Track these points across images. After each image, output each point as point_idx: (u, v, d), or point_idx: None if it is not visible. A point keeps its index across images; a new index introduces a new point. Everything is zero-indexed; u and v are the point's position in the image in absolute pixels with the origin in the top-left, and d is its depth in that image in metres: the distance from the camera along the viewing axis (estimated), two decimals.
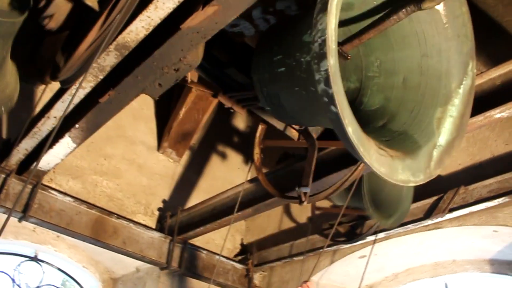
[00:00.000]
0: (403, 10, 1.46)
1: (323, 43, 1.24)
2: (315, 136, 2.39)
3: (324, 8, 1.26)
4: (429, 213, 3.15)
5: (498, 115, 2.03)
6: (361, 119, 1.47)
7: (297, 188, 2.26)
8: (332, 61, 1.24)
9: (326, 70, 1.23)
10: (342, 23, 1.68)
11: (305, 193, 2.26)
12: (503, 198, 2.81)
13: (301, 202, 2.26)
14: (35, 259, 3.92)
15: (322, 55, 1.24)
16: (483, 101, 2.06)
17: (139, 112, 4.34)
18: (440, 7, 1.63)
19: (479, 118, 2.05)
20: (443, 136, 1.64)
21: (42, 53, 3.36)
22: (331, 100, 1.24)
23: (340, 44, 1.67)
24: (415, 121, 1.68)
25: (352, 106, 1.47)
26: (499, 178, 2.86)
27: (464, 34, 1.67)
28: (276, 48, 1.84)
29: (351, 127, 1.29)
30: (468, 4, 1.72)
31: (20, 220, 2.94)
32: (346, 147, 1.35)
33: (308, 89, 1.66)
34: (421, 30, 1.67)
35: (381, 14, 1.57)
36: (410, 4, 1.45)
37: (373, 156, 1.38)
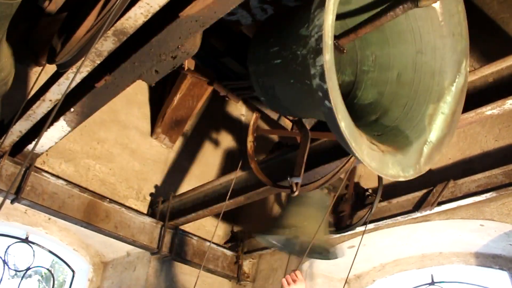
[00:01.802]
0: (400, 6, 1.48)
1: (320, 38, 1.25)
2: (308, 127, 2.42)
3: (322, 4, 1.28)
4: (418, 206, 3.19)
5: (489, 112, 2.05)
6: (354, 113, 1.49)
7: (289, 178, 2.29)
8: (327, 57, 1.26)
9: (322, 66, 1.24)
10: (339, 16, 1.69)
11: (296, 183, 2.29)
12: (490, 193, 2.87)
13: (292, 192, 2.29)
14: (26, 240, 3.93)
15: (318, 51, 1.25)
16: (475, 98, 2.09)
17: (133, 97, 4.33)
18: (436, 5, 1.65)
19: (471, 114, 2.07)
20: (434, 132, 1.67)
21: (37, 34, 3.32)
22: (325, 95, 1.25)
23: (337, 37, 1.69)
24: (407, 117, 1.70)
25: (346, 99, 1.49)
26: (487, 173, 2.91)
27: (459, 33, 1.69)
28: (273, 40, 1.85)
29: (344, 122, 1.31)
30: (464, 0, 1.73)
31: (12, 202, 2.94)
32: (338, 140, 1.37)
33: (303, 82, 1.68)
34: (417, 27, 1.69)
35: (378, 10, 1.59)
36: (407, 1, 1.46)
37: (365, 151, 1.40)
